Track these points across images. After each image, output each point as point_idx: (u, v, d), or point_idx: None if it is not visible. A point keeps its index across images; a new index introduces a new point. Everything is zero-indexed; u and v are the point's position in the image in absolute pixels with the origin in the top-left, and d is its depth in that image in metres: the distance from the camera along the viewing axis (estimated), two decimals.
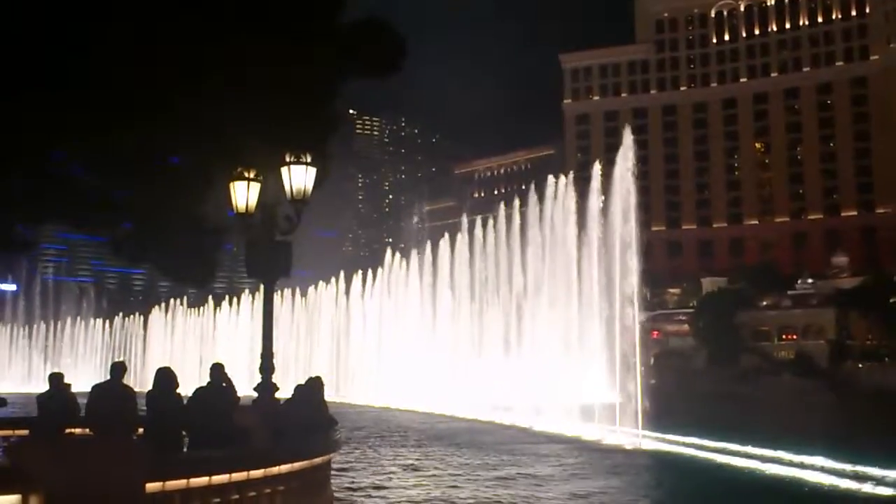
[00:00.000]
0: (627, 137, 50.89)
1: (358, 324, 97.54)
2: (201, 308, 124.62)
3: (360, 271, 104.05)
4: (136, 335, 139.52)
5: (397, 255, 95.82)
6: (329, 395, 18.95)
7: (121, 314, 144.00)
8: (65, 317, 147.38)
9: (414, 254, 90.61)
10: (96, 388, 15.46)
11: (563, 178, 63.18)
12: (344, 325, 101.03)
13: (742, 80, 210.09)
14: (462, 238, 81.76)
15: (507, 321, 69.27)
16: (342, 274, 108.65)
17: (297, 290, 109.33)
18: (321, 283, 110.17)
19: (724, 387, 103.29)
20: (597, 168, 56.76)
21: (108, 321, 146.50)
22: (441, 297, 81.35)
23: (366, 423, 52.24)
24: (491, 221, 77.69)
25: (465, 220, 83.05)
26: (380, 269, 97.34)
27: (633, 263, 47.19)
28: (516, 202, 74.23)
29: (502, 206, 79.48)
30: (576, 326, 55.18)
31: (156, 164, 14.14)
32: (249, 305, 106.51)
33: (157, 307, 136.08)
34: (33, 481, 10.22)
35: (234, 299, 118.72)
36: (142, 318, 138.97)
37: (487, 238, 77.33)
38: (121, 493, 10.56)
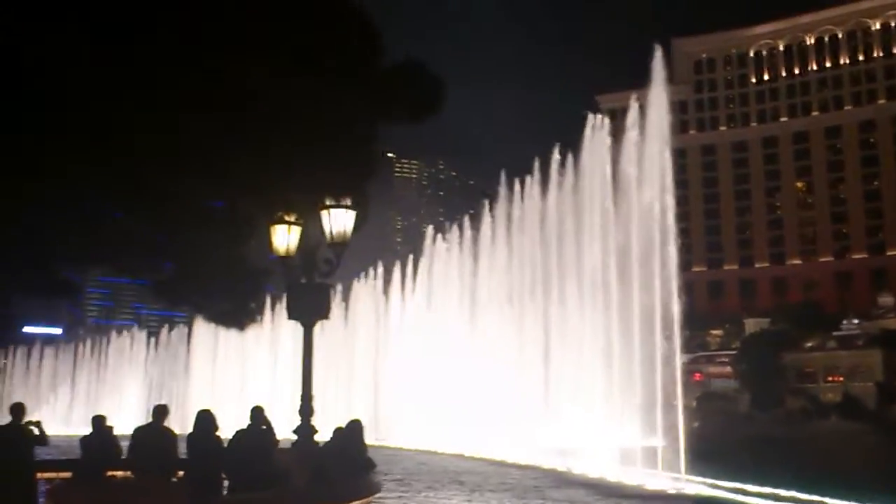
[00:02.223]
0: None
1: (396, 342, 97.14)
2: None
3: (398, 262, 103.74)
4: (180, 351, 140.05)
5: (439, 236, 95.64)
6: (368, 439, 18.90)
7: (167, 326, 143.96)
8: (109, 357, 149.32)
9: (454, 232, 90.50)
10: (138, 430, 15.62)
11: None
12: (382, 341, 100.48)
13: (782, 119, 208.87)
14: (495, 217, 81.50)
15: (545, 361, 68.65)
16: (380, 265, 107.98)
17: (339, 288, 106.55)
18: (361, 276, 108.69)
19: (769, 429, 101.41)
20: (634, 107, 55.48)
21: (153, 337, 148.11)
22: (478, 318, 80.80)
23: (396, 467, 51.96)
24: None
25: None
26: (421, 259, 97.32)
27: (674, 291, 46.72)
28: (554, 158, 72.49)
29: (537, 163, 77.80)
30: (616, 367, 54.56)
31: (198, 208, 14.35)
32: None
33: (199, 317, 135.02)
34: None
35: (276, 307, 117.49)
36: (186, 328, 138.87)
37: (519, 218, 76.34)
38: None
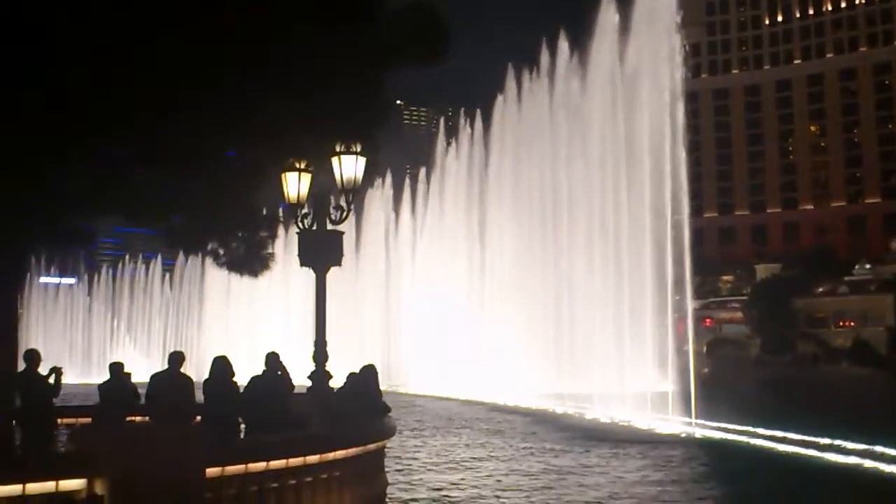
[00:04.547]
0: None
1: (406, 284, 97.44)
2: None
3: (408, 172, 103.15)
4: (194, 299, 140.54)
5: (452, 146, 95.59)
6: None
7: (181, 253, 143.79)
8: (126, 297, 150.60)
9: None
10: (155, 376, 15.84)
11: None
12: (394, 284, 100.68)
13: (796, 61, 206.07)
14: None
15: (556, 308, 68.69)
16: (388, 173, 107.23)
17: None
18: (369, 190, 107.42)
19: (779, 374, 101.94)
20: None
21: (167, 274, 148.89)
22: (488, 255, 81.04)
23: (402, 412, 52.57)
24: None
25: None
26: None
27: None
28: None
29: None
30: (626, 312, 54.69)
31: (210, 157, 14.37)
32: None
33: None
34: (98, 466, 10.52)
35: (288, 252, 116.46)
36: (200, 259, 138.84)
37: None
38: (181, 478, 10.82)
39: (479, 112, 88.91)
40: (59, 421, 17.64)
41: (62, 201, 14.05)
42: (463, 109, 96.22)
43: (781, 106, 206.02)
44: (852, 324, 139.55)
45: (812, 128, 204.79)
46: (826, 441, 32.67)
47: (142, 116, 12.59)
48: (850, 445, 31.31)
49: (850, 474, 27.12)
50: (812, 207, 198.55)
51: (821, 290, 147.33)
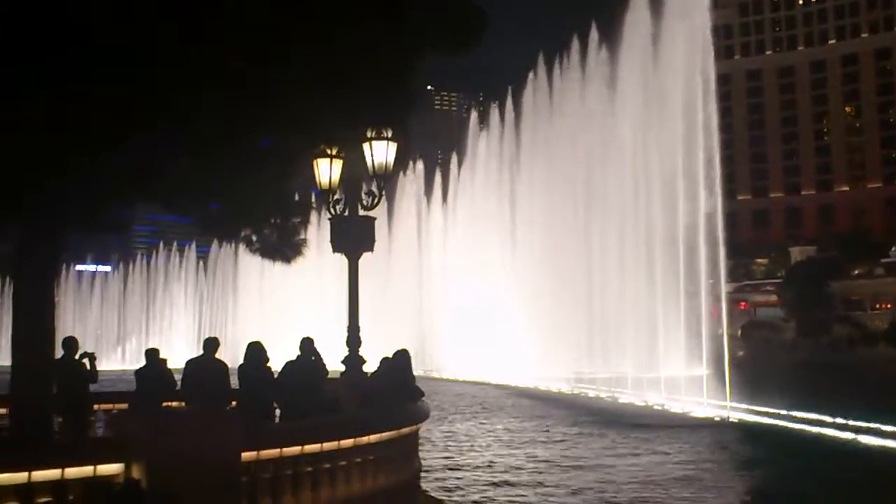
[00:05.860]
0: None
1: (438, 269, 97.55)
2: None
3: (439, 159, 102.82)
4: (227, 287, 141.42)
5: (484, 131, 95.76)
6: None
7: (215, 241, 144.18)
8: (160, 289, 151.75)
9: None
10: (190, 362, 15.97)
11: None
12: (426, 268, 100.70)
13: (830, 41, 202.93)
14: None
15: (590, 292, 68.44)
16: (419, 158, 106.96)
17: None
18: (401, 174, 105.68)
19: (815, 357, 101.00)
20: None
21: (202, 261, 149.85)
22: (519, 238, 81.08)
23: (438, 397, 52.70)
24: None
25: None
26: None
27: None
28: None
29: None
30: (659, 296, 54.38)
31: (244, 146, 14.41)
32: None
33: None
34: (136, 451, 10.65)
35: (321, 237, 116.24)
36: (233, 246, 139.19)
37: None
38: (218, 462, 10.92)
39: (509, 92, 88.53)
40: (95, 407, 17.88)
41: (99, 191, 14.17)
42: (493, 99, 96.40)
43: (816, 87, 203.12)
44: (889, 306, 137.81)
45: (847, 109, 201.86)
46: (863, 424, 32.34)
47: (178, 107, 12.66)
48: (887, 428, 30.97)
49: (887, 457, 26.85)
50: (847, 189, 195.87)
51: (857, 272, 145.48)
